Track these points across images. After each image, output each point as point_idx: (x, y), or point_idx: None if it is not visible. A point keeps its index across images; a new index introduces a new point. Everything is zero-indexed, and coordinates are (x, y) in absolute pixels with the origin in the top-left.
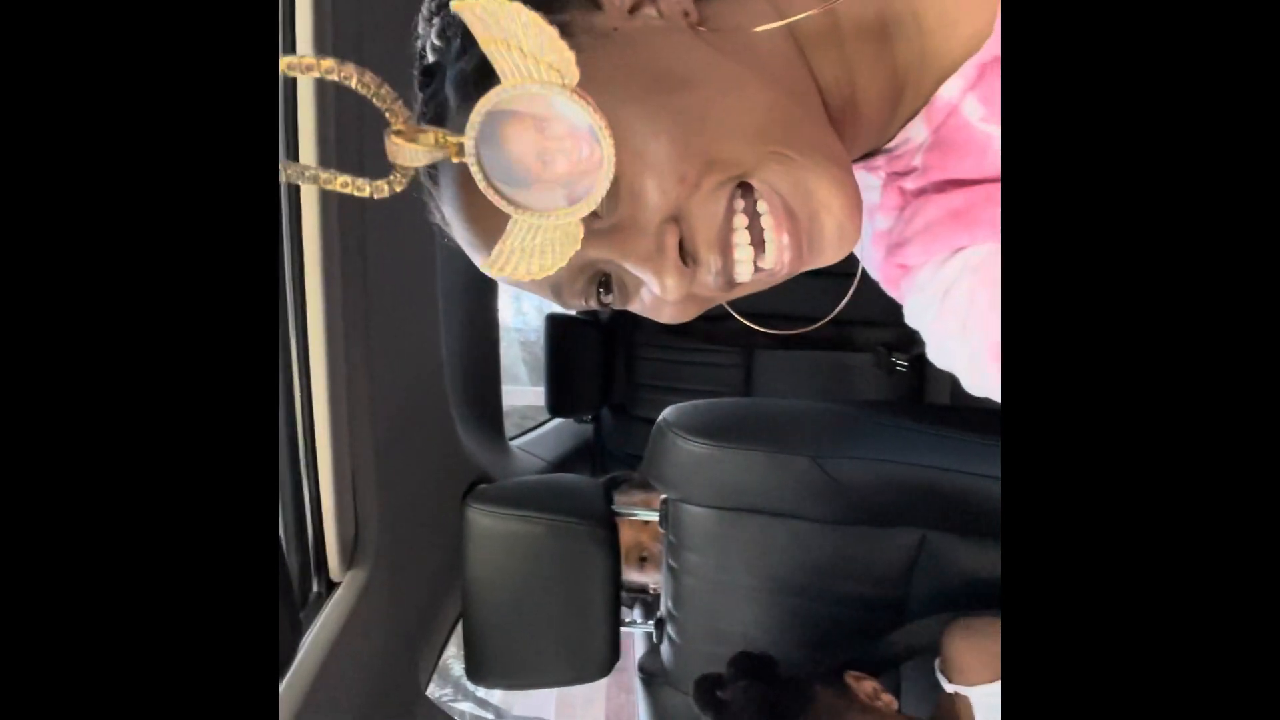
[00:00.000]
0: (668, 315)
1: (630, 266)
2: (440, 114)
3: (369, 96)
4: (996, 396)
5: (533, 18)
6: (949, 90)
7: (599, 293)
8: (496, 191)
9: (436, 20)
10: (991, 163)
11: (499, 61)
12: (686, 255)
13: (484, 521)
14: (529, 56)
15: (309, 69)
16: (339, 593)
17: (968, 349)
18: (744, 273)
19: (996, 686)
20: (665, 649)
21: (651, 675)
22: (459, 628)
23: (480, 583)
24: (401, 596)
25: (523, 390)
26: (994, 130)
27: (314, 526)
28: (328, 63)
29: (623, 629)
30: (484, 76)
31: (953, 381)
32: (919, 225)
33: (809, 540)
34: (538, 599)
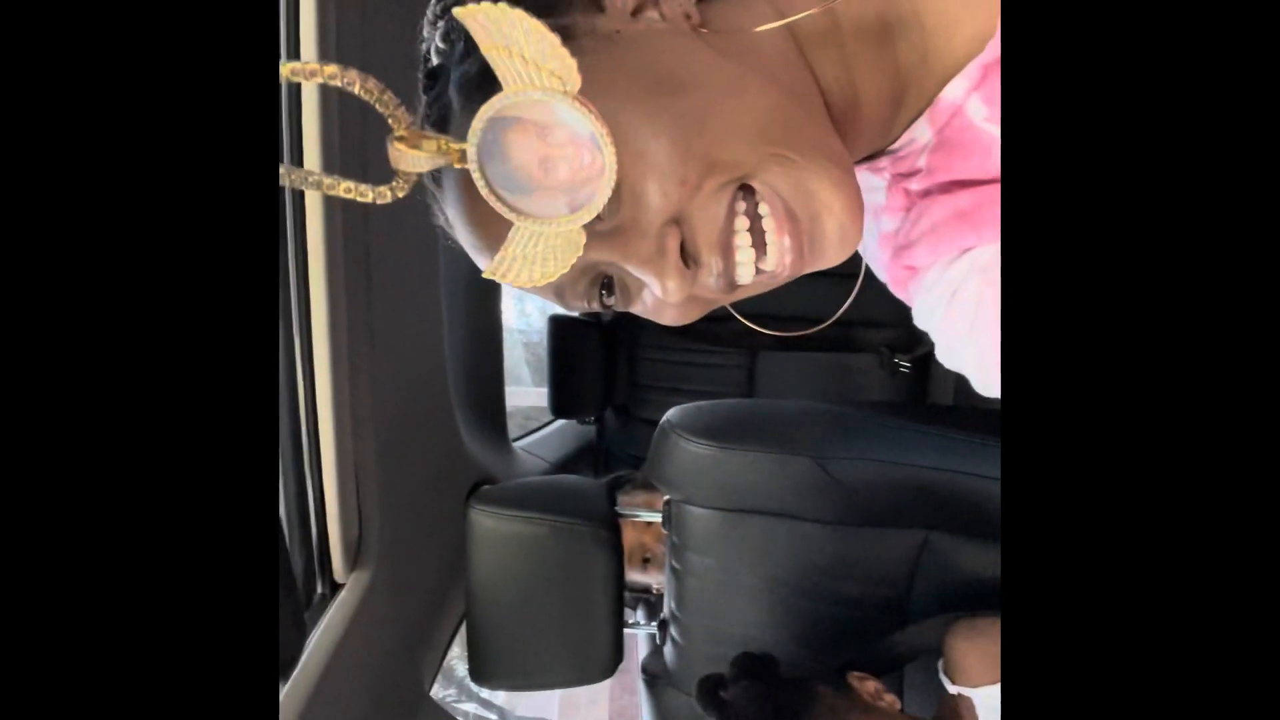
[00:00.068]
0: (669, 317)
1: (632, 269)
2: (444, 117)
3: (372, 102)
4: None
5: (534, 25)
6: (953, 91)
7: (601, 295)
8: (498, 198)
9: (441, 24)
10: (996, 163)
11: (501, 68)
12: (688, 257)
13: (487, 523)
14: (530, 63)
15: (312, 75)
16: (343, 594)
17: (976, 349)
18: (745, 275)
19: (999, 688)
20: (668, 650)
21: (655, 676)
22: (463, 628)
23: (484, 584)
24: (405, 597)
25: (525, 391)
26: (998, 130)
27: (318, 527)
28: (331, 69)
29: (626, 630)
30: (487, 80)
31: (955, 382)
32: (925, 226)
33: (812, 541)
34: (541, 600)
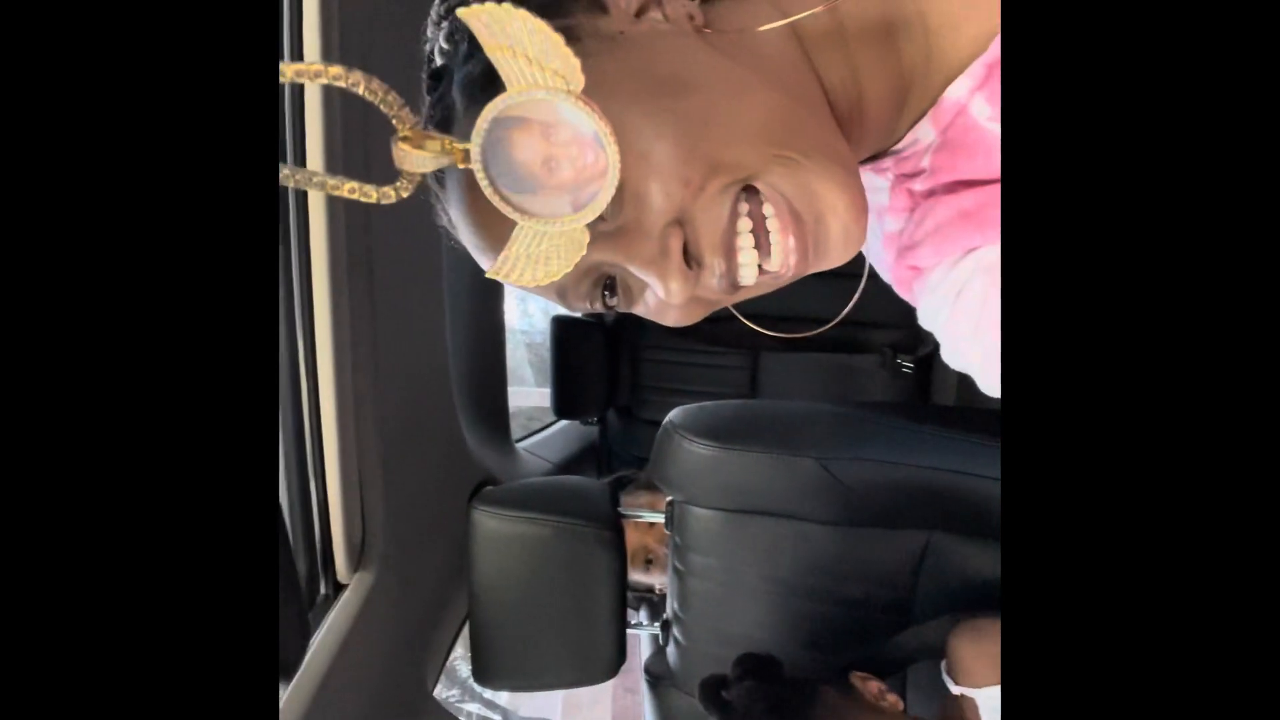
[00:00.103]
0: (672, 318)
1: (634, 270)
2: (447, 117)
3: (375, 103)
4: None
5: (538, 24)
6: (956, 90)
7: (604, 296)
8: (502, 198)
9: (444, 24)
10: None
11: (504, 68)
12: (691, 258)
13: (490, 524)
14: (534, 63)
15: (316, 75)
16: (346, 594)
17: (981, 349)
18: (748, 276)
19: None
20: (671, 651)
21: (657, 677)
22: (466, 629)
23: (486, 585)
24: (408, 598)
25: (528, 392)
26: None
27: (321, 529)
28: (335, 69)
29: (629, 631)
30: (491, 80)
31: (958, 383)
32: (929, 227)
33: (814, 542)
34: (544, 601)
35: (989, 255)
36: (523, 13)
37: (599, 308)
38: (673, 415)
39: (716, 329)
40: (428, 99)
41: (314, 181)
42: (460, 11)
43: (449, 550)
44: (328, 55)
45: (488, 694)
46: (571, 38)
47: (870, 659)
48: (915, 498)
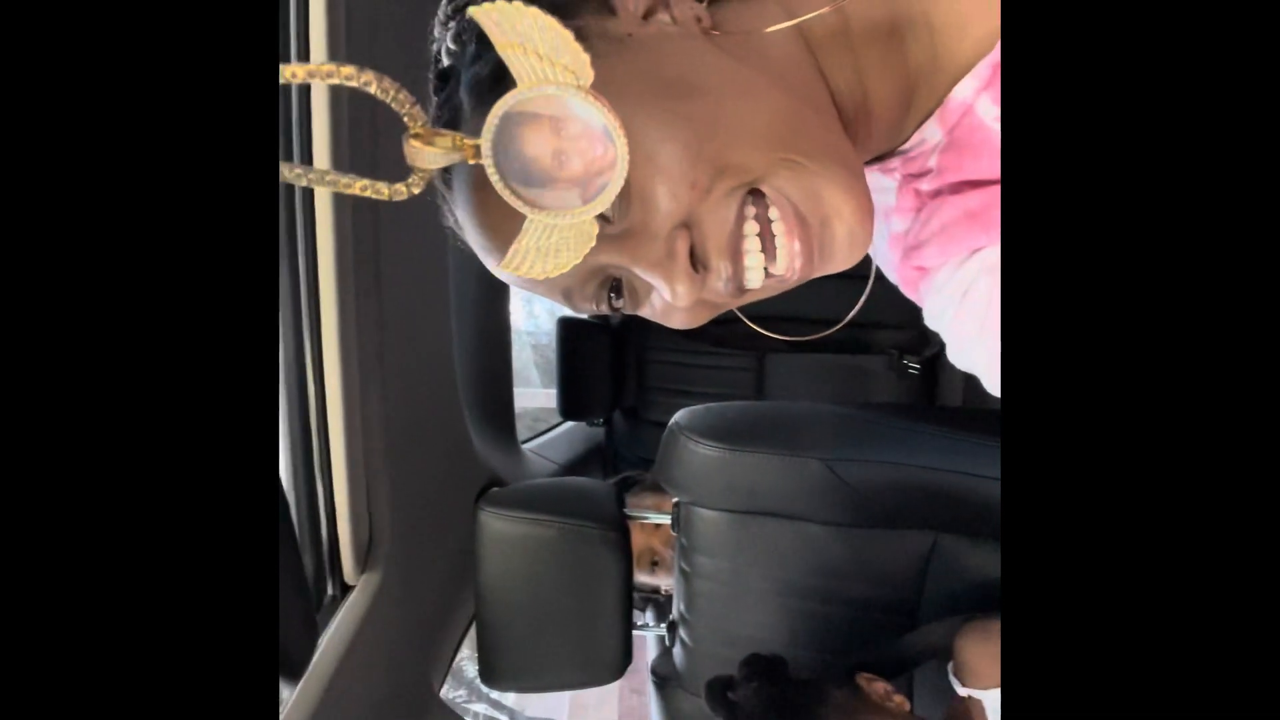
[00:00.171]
0: (678, 321)
1: (641, 272)
2: (454, 118)
3: (387, 101)
4: None
5: (548, 21)
6: (963, 90)
7: (610, 297)
8: (513, 192)
9: (451, 25)
10: None
11: (515, 65)
12: (697, 261)
13: (496, 525)
14: (545, 59)
15: (329, 75)
16: (353, 595)
17: (986, 349)
18: (755, 279)
19: None
20: (677, 652)
21: (664, 678)
22: (472, 630)
23: (493, 586)
24: (415, 599)
25: (534, 393)
26: None
27: (328, 530)
28: (347, 69)
29: (635, 632)
30: (498, 81)
31: (964, 384)
32: (935, 227)
33: (821, 543)
34: (550, 602)
35: (994, 255)
36: (533, 10)
37: (605, 309)
38: (678, 416)
39: (722, 330)
40: (434, 99)
41: (326, 180)
42: (472, 10)
43: (455, 551)
44: (335, 56)
45: (494, 694)
46: (580, 39)
47: (876, 660)
48: (921, 499)
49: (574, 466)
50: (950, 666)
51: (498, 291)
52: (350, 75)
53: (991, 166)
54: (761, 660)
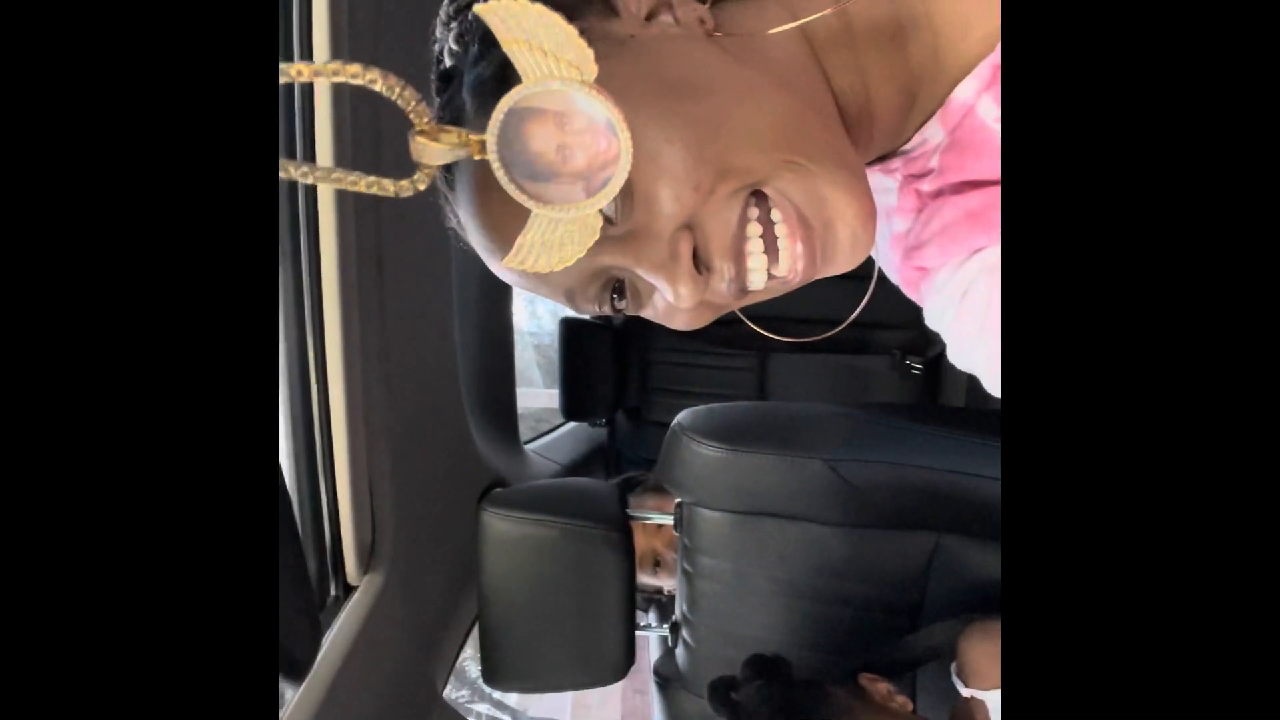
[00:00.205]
0: (680, 322)
1: (644, 273)
2: (457, 118)
3: (393, 99)
4: None
5: (553, 18)
6: (964, 91)
7: (612, 299)
8: (518, 186)
9: (453, 26)
10: None
11: (520, 61)
12: (700, 263)
13: (499, 525)
14: (550, 55)
15: (335, 74)
16: (356, 596)
17: (986, 349)
18: (757, 281)
19: None
20: (680, 652)
21: (667, 679)
22: (475, 630)
23: (495, 586)
24: (418, 600)
25: (536, 393)
26: None
27: (331, 530)
28: (353, 67)
29: (638, 632)
30: (501, 82)
31: (967, 384)
32: (936, 227)
33: (823, 544)
34: (553, 602)
35: (994, 255)
36: (538, 7)
37: (607, 311)
38: (681, 417)
39: (725, 331)
40: (437, 100)
41: (332, 178)
42: (478, 7)
43: (458, 552)
44: (337, 57)
45: (497, 695)
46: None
47: (879, 661)
48: (924, 499)
49: (576, 467)
50: (953, 667)
51: (500, 292)
52: (356, 73)
53: (992, 167)
54: (764, 661)
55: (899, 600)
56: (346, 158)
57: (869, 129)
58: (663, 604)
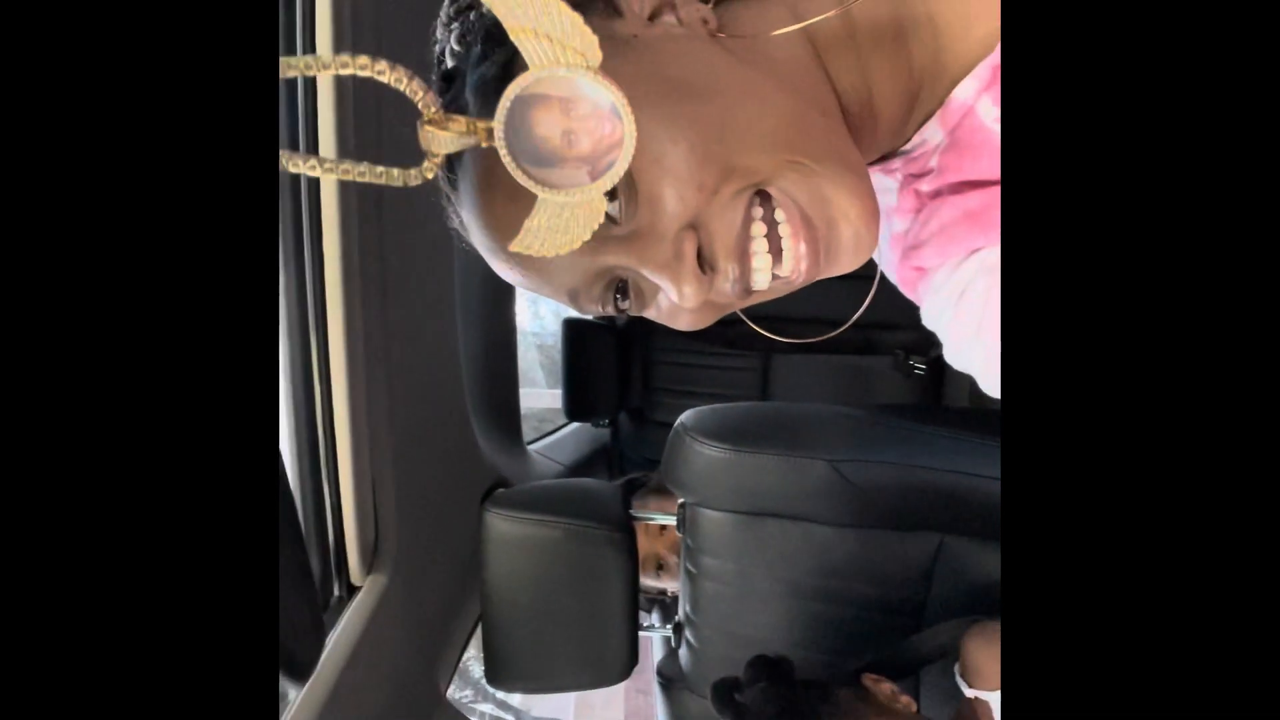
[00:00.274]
0: (684, 322)
1: (648, 273)
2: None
3: (402, 89)
4: None
5: (559, 6)
6: (964, 91)
7: (616, 299)
8: (525, 172)
9: (455, 26)
10: None
11: (526, 48)
12: (704, 263)
13: (502, 526)
14: (555, 43)
15: (344, 66)
16: (359, 596)
17: (983, 350)
18: (761, 281)
19: None
20: (683, 653)
21: (670, 680)
22: (478, 630)
23: (499, 587)
24: (421, 600)
25: (539, 393)
26: None
27: (334, 531)
28: (362, 59)
29: (641, 633)
30: (504, 81)
31: (971, 385)
32: (935, 227)
33: (827, 544)
34: (556, 603)
35: (993, 256)
36: None
37: (611, 311)
38: (684, 417)
39: (728, 331)
40: (440, 100)
41: (341, 169)
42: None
43: (461, 552)
44: (340, 47)
45: (500, 695)
46: None
47: (883, 661)
48: (927, 500)
49: (579, 467)
50: (957, 668)
51: (503, 292)
52: (365, 65)
53: (991, 167)
54: (767, 661)
55: (902, 601)
56: (350, 155)
57: (871, 129)
58: (666, 605)
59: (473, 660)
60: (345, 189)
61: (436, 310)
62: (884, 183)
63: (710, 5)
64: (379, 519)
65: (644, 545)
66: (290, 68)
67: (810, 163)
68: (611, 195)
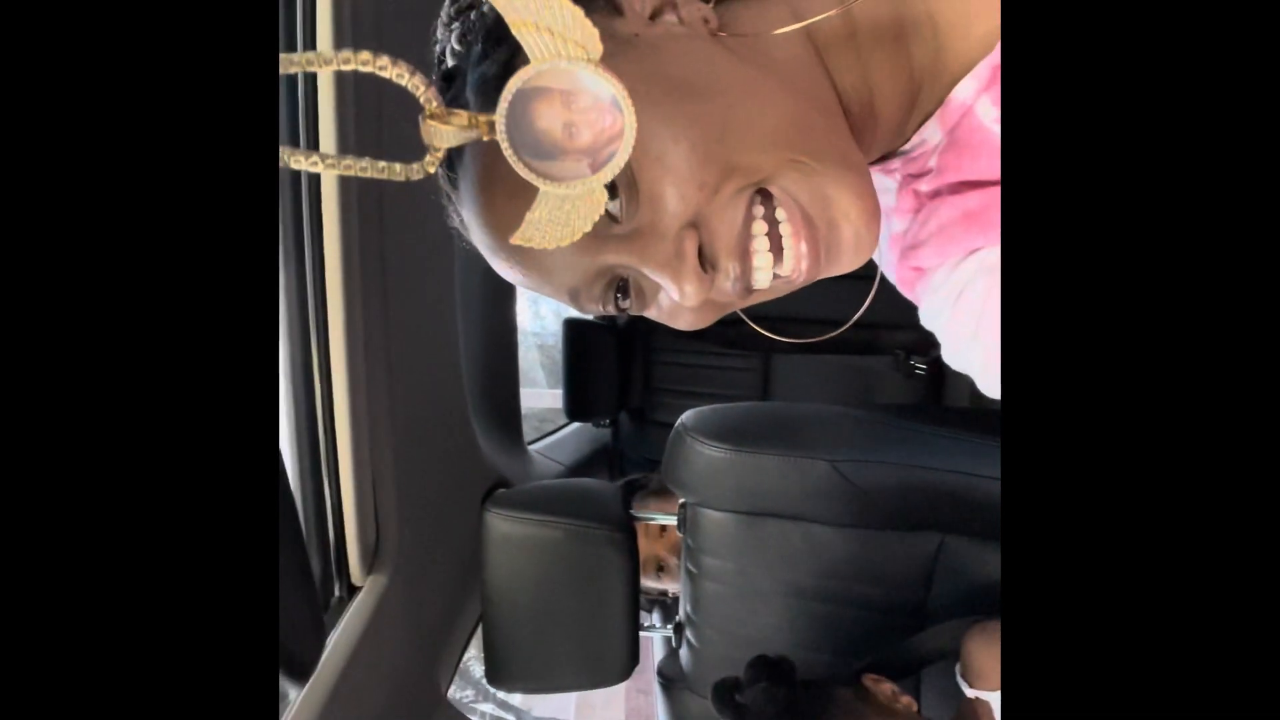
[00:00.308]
0: (685, 321)
1: (649, 272)
2: None
3: (404, 85)
4: None
5: (561, 0)
6: (963, 91)
7: (617, 298)
8: (526, 165)
9: (456, 26)
10: None
11: (528, 42)
12: (705, 261)
13: (503, 526)
14: (557, 36)
15: (346, 62)
16: (360, 597)
17: (981, 350)
18: (762, 280)
19: None
20: (684, 653)
21: (670, 680)
22: (479, 630)
23: (499, 587)
24: (422, 600)
25: (540, 393)
26: None
27: (335, 531)
28: (364, 54)
29: (641, 633)
30: (504, 80)
31: (971, 385)
32: (933, 227)
33: (827, 544)
34: (557, 603)
35: (991, 256)
36: None
37: (612, 310)
38: (685, 418)
39: (729, 331)
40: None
41: (343, 165)
42: None
43: (462, 552)
44: (340, 43)
45: (501, 694)
46: None
47: (884, 661)
48: (928, 500)
49: (580, 468)
50: (958, 668)
51: (503, 292)
52: (367, 60)
53: (990, 168)
54: (768, 662)
55: (903, 601)
56: (350, 151)
57: (872, 129)
58: (667, 605)
59: (474, 660)
60: (346, 189)
61: (437, 310)
62: (883, 183)
63: (711, 5)
64: (379, 519)
65: (644, 547)
66: (293, 64)
67: (811, 162)
68: (613, 193)
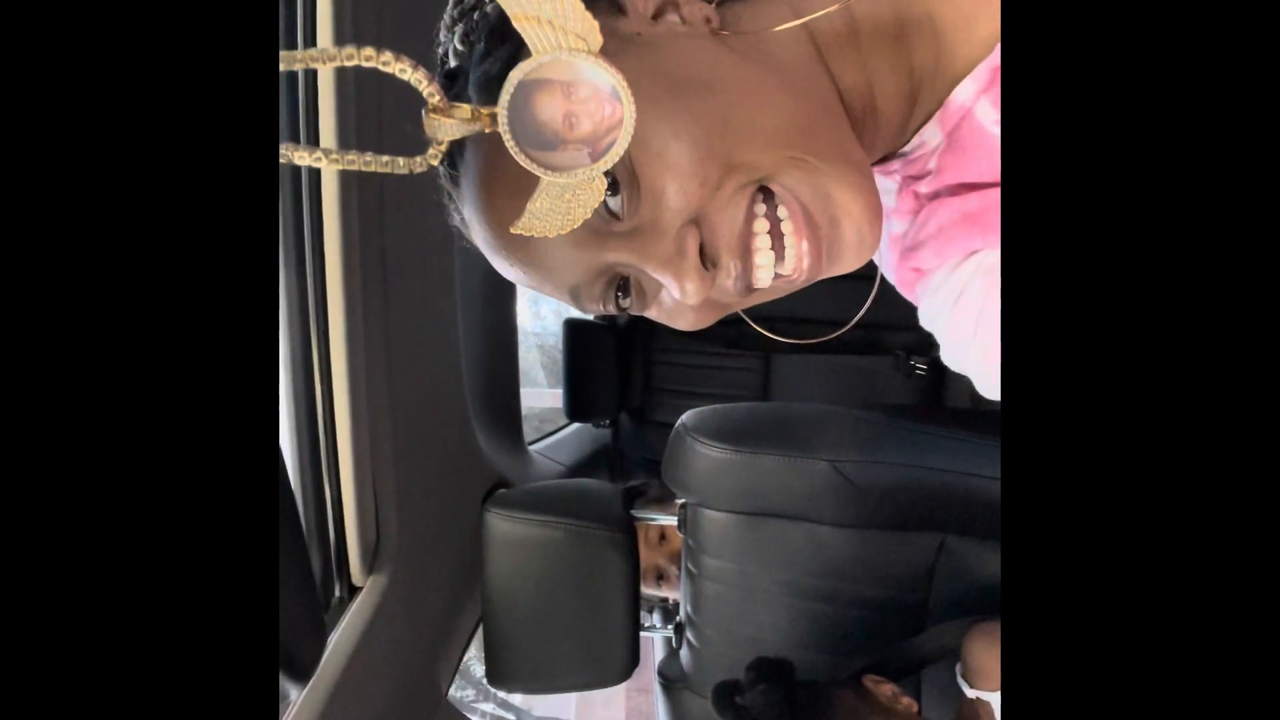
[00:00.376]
0: (686, 321)
1: (650, 270)
2: None
3: (407, 79)
4: None
5: None
6: (963, 93)
7: (617, 297)
8: (528, 155)
9: (459, 26)
10: None
11: (529, 35)
12: (706, 259)
13: (503, 526)
14: (558, 29)
15: (349, 58)
16: (360, 597)
17: (980, 351)
18: (764, 278)
19: None
20: (684, 654)
21: (671, 680)
22: (480, 630)
23: (500, 588)
24: (422, 600)
25: (540, 393)
26: None
27: (336, 531)
28: (367, 50)
29: (642, 634)
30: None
31: (971, 385)
32: (933, 229)
33: (828, 544)
34: (557, 604)
35: (990, 258)
36: None
37: (612, 309)
38: (685, 418)
39: (729, 331)
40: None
41: (346, 160)
42: None
43: (462, 553)
44: (341, 39)
45: (502, 694)
46: None
47: (884, 662)
48: (929, 500)
49: (580, 468)
50: (958, 668)
51: (504, 292)
52: (370, 55)
53: (989, 169)
54: (768, 663)
55: (904, 601)
56: (350, 144)
57: (873, 129)
58: (667, 607)
59: (474, 659)
60: (347, 188)
61: (437, 310)
62: (883, 184)
63: (713, 4)
64: (380, 520)
65: (644, 556)
66: (295, 60)
67: (813, 159)
68: (614, 190)
